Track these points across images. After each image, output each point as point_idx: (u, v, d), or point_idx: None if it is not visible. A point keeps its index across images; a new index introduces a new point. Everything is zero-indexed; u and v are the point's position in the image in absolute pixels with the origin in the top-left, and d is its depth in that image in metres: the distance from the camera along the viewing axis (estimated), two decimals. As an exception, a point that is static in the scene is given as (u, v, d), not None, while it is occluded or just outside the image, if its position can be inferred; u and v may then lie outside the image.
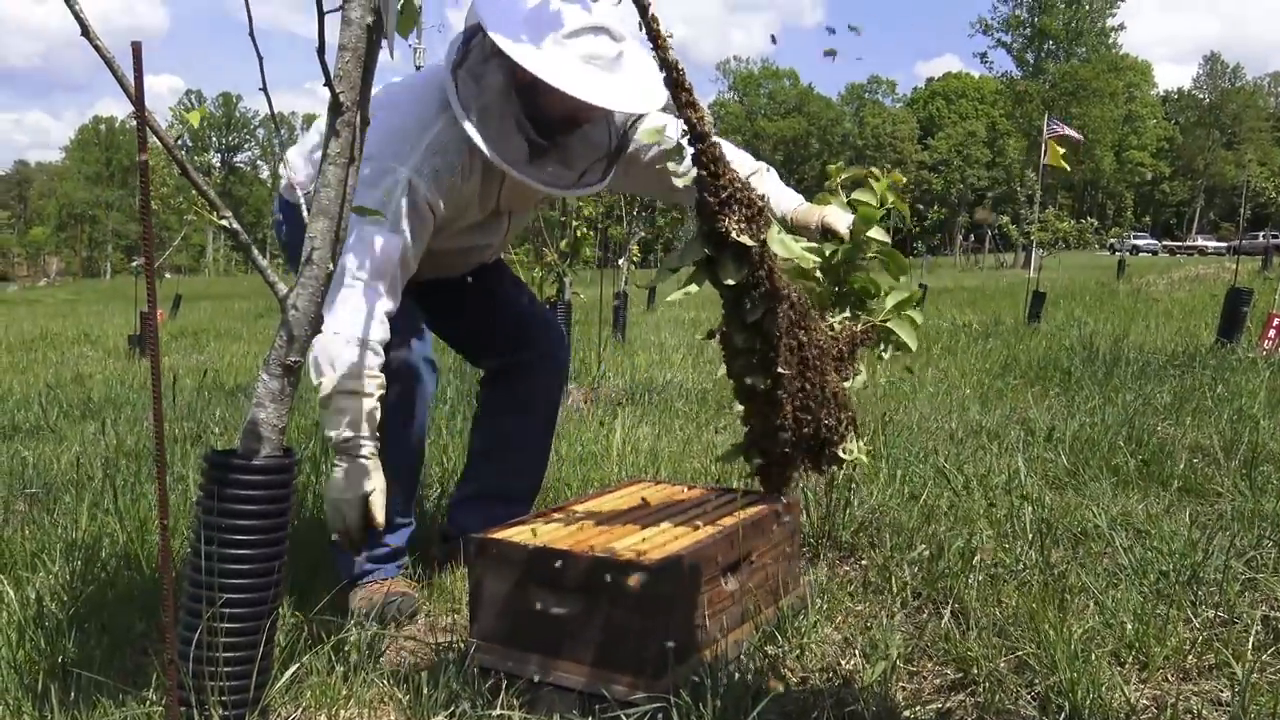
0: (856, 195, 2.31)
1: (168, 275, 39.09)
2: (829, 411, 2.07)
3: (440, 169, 2.11)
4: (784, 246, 1.92)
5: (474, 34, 2.09)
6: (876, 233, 2.24)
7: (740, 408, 2.11)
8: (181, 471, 3.29)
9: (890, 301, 2.29)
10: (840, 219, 2.27)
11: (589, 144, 2.23)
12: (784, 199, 2.40)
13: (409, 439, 2.29)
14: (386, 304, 2.05)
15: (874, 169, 2.34)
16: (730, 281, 1.84)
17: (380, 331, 2.02)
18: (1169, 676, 1.81)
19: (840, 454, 2.13)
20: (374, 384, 2.01)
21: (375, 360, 2.01)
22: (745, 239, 1.79)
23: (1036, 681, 1.77)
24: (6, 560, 2.52)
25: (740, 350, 1.96)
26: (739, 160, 2.31)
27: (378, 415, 2.01)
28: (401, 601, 2.23)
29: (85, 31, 1.32)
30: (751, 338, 1.94)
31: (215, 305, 21.68)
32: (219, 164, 79.53)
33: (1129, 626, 1.92)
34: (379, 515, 1.97)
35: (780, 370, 1.94)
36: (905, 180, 2.40)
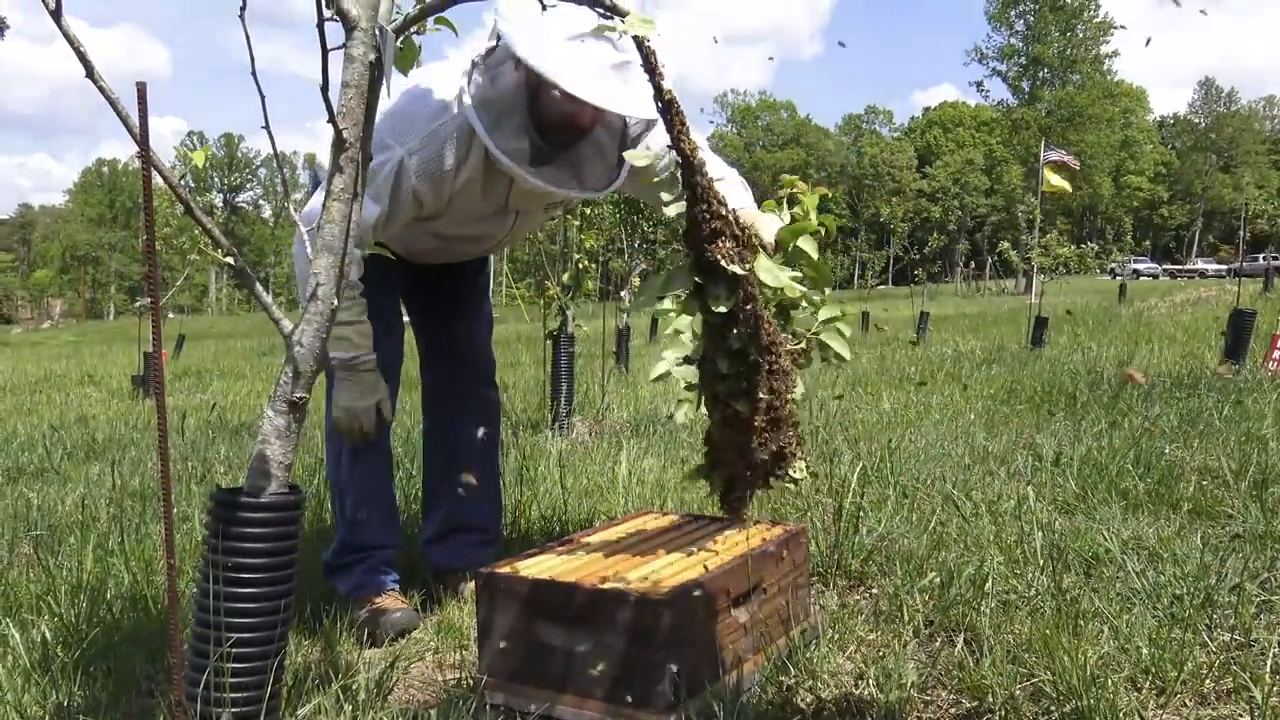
0: (796, 210, 2.29)
1: (170, 315, 39.19)
2: (785, 430, 2.06)
3: (433, 158, 2.19)
4: (771, 275, 1.92)
5: (497, 38, 2.18)
6: (805, 244, 2.18)
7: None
8: (187, 511, 3.28)
9: (823, 315, 2.27)
10: (768, 230, 2.19)
11: (596, 149, 2.27)
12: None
13: (382, 456, 2.51)
14: (355, 255, 2.15)
15: (800, 182, 2.32)
16: (721, 309, 1.84)
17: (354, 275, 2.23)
18: (1186, 701, 1.79)
19: (793, 473, 2.11)
20: (359, 309, 2.24)
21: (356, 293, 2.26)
22: (735, 268, 1.80)
23: (1053, 708, 1.75)
24: (11, 603, 2.51)
25: (724, 376, 1.96)
26: (710, 164, 2.31)
27: (370, 335, 2.25)
28: (399, 616, 2.34)
29: (90, 73, 1.33)
30: (735, 363, 1.93)
31: (218, 344, 21.72)
32: (221, 204, 79.98)
33: (1144, 651, 1.90)
34: (388, 413, 2.29)
35: (761, 395, 1.94)
36: (831, 194, 2.39)
